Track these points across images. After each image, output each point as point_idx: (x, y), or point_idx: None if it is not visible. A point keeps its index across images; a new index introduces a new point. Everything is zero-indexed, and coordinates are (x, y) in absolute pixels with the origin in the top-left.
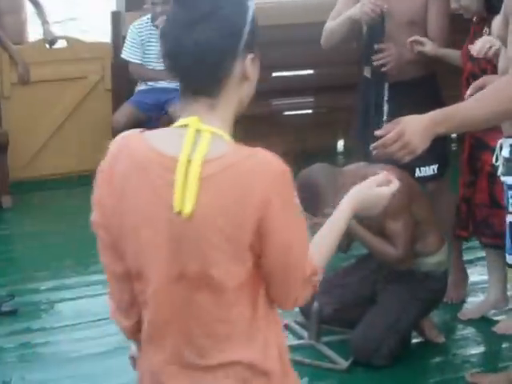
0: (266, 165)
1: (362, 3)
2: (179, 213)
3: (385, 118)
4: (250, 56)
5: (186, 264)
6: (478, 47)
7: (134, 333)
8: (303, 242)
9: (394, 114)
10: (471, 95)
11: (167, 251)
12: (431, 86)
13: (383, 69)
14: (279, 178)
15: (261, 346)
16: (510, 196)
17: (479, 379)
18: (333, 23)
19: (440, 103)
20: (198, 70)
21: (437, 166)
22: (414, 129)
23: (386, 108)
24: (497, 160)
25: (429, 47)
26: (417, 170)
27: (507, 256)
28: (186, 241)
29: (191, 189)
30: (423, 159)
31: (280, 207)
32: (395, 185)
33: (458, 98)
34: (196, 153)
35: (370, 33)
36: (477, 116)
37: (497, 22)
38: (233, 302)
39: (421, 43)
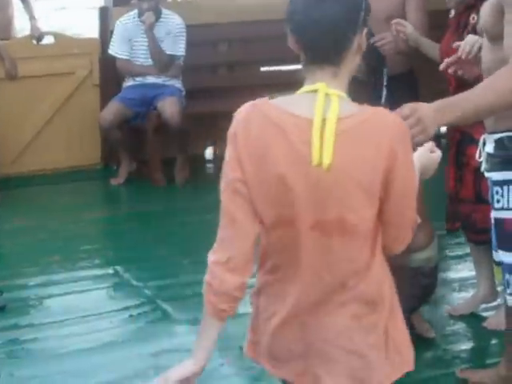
0: (391, 121)
1: None
2: (318, 166)
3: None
4: (364, 30)
5: (324, 212)
6: (468, 49)
7: (238, 290)
8: (414, 191)
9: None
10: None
11: (307, 201)
12: (408, 82)
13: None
14: (402, 132)
15: (377, 284)
16: (494, 192)
17: (469, 375)
18: None
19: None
20: (325, 41)
21: None
22: (425, 110)
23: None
24: (480, 156)
25: (410, 29)
26: None
27: (494, 253)
28: (324, 191)
29: (328, 143)
30: None
31: (403, 158)
32: (439, 153)
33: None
34: (329, 112)
35: None
36: (479, 107)
37: (486, 8)
38: (361, 244)
39: (403, 25)
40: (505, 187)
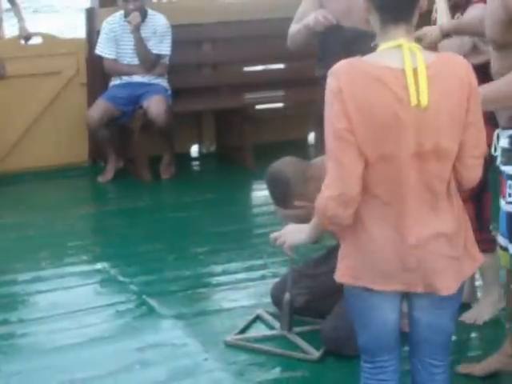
0: (461, 59)
1: (315, 13)
2: (417, 106)
3: None
4: None
5: (423, 143)
6: (428, 40)
7: (348, 219)
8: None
9: None
10: None
11: (409, 136)
12: None
13: None
14: (470, 66)
15: (458, 200)
16: (508, 186)
17: (471, 369)
18: (294, 29)
19: None
20: (402, 2)
21: None
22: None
23: None
24: (495, 150)
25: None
26: None
27: (500, 238)
28: (424, 125)
29: (423, 86)
30: None
31: (475, 88)
32: None
33: None
34: (417, 62)
35: (324, 42)
36: (486, 95)
37: (490, 20)
38: (448, 165)
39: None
40: (508, 181)
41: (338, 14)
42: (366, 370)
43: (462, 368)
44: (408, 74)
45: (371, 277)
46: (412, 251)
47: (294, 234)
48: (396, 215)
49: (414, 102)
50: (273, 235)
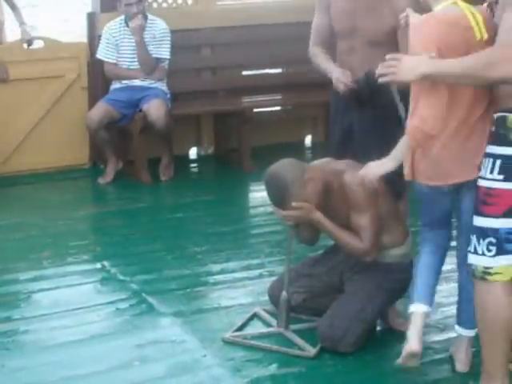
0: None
1: (338, 73)
2: (480, 40)
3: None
4: None
5: None
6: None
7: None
8: None
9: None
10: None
11: None
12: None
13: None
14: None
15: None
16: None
17: None
18: (316, 60)
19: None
20: None
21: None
22: (408, 58)
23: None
24: None
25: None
26: None
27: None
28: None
29: (481, 26)
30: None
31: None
32: None
33: None
34: (472, 10)
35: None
36: (453, 69)
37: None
38: None
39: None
40: (486, 159)
41: (344, 31)
42: None
43: None
44: (471, 18)
45: (428, 177)
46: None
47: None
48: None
49: (478, 36)
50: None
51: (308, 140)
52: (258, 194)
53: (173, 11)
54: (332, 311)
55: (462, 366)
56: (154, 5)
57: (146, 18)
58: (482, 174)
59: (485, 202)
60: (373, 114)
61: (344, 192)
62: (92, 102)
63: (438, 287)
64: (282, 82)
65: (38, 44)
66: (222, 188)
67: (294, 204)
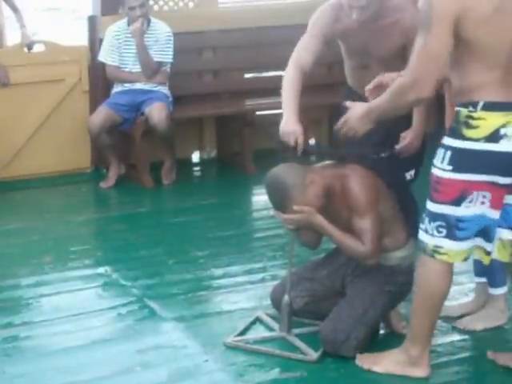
0: None
1: (285, 132)
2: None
3: None
4: None
5: None
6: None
7: None
8: None
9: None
10: (369, 90)
11: None
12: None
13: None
14: None
15: None
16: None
17: (497, 356)
18: (285, 86)
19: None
20: None
21: (414, 171)
22: (354, 115)
23: None
24: None
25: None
26: (407, 174)
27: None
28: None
29: None
30: (403, 166)
31: None
32: None
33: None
34: None
35: None
36: (385, 108)
37: None
38: None
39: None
40: (440, 149)
41: (355, 51)
42: None
43: (491, 354)
44: None
45: None
46: None
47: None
48: None
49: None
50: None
51: (311, 143)
52: (261, 198)
53: (174, 14)
54: (334, 315)
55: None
56: (156, 7)
57: (149, 21)
58: (434, 162)
59: (435, 189)
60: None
61: (345, 195)
62: (93, 106)
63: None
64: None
65: (38, 47)
66: (225, 192)
67: (295, 207)
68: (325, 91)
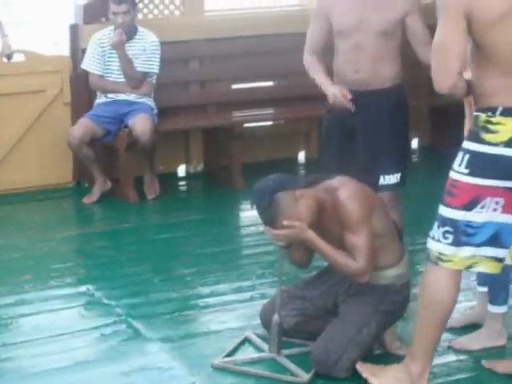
0: None
1: (333, 94)
2: None
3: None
4: None
5: None
6: None
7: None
8: None
9: (366, 126)
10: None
11: None
12: (399, 95)
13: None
14: None
15: None
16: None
17: (494, 364)
18: (312, 70)
19: (406, 112)
20: None
21: (400, 174)
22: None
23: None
24: None
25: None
26: (381, 177)
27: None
28: None
29: None
30: (388, 167)
31: None
32: None
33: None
34: None
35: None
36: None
37: None
38: None
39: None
40: (459, 152)
41: (350, 27)
42: None
43: (487, 363)
44: None
45: None
46: None
47: None
48: None
49: None
50: None
51: (301, 156)
52: (249, 213)
53: (159, 22)
54: (326, 335)
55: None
56: (140, 16)
57: (135, 29)
58: (452, 165)
59: (450, 192)
60: (378, 114)
61: (337, 210)
62: (75, 118)
63: None
64: (273, 95)
65: (18, 57)
66: (212, 207)
67: (285, 222)
68: (314, 102)
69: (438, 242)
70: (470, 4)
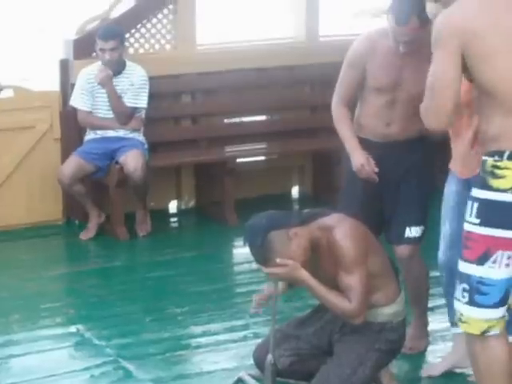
0: None
1: (359, 164)
2: None
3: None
4: None
5: None
6: None
7: None
8: None
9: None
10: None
11: None
12: (427, 145)
13: None
14: None
15: None
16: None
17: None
18: (338, 122)
19: (433, 163)
20: None
21: (423, 227)
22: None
23: None
24: None
25: None
26: (407, 229)
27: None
28: None
29: None
30: (415, 219)
31: None
32: None
33: None
34: None
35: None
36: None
37: None
38: None
39: None
40: (468, 201)
41: (387, 86)
42: None
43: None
44: None
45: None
46: None
47: None
48: None
49: None
50: None
51: (295, 191)
52: (242, 250)
53: (150, 56)
54: (321, 375)
55: None
56: (131, 50)
57: (123, 64)
58: (465, 216)
59: (465, 245)
60: (408, 164)
61: (332, 249)
62: (65, 154)
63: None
64: (266, 130)
65: (7, 93)
66: (204, 244)
67: (278, 260)
68: (307, 136)
69: (458, 301)
70: (463, 36)
